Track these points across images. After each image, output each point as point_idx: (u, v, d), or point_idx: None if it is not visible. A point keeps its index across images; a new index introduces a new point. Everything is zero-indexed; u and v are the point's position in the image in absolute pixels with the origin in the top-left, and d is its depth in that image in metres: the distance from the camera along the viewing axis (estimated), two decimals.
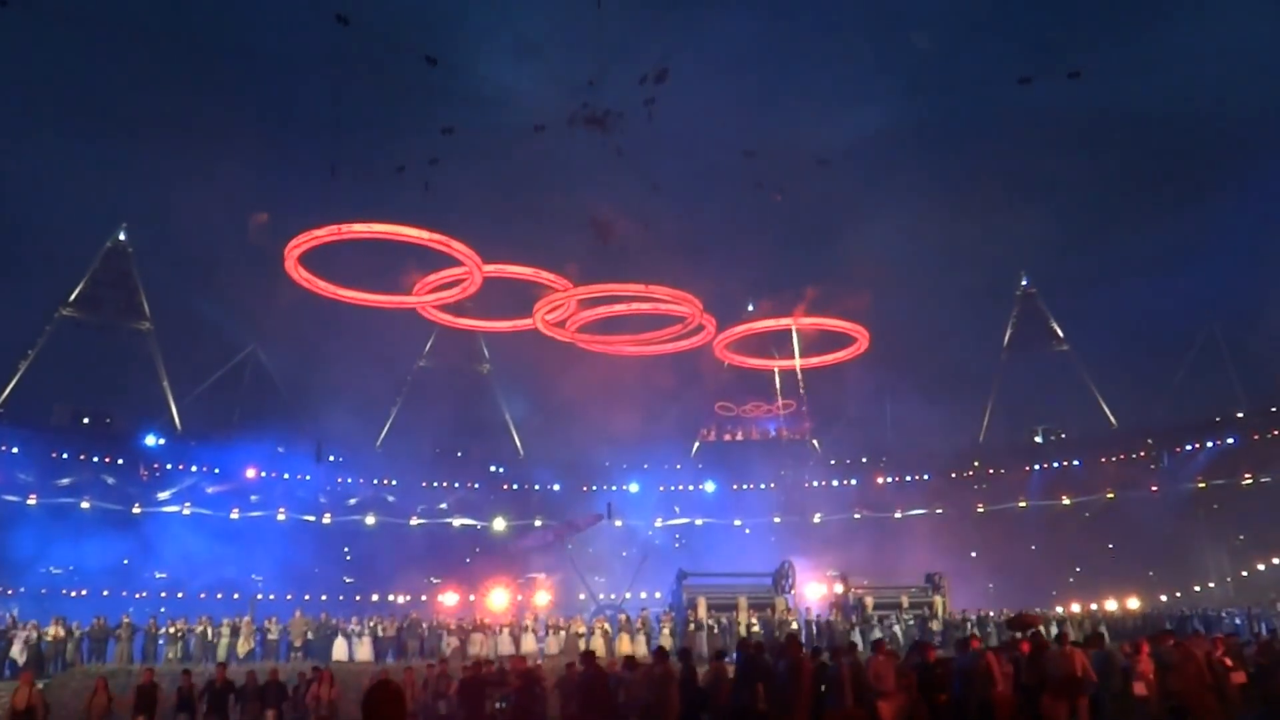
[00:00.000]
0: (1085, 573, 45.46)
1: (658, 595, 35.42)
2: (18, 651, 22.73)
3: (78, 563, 37.47)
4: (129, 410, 44.47)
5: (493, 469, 52.50)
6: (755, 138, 41.76)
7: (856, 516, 49.12)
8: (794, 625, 26.31)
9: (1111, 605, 37.59)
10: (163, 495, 40.96)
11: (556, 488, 50.89)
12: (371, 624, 26.87)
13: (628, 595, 34.58)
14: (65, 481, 38.98)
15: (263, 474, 43.22)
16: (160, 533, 38.71)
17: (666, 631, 26.73)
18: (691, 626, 26.37)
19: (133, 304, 46.64)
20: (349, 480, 47.78)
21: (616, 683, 13.34)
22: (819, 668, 12.85)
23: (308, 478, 45.27)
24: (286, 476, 44.42)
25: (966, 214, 49.57)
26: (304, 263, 34.70)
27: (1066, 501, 48.50)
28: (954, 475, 51.02)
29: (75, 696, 16.41)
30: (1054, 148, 50.70)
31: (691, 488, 52.01)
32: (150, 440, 42.33)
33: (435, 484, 49.55)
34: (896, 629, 27.41)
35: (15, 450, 38.12)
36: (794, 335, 46.19)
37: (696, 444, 55.88)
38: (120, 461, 41.14)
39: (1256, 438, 45.45)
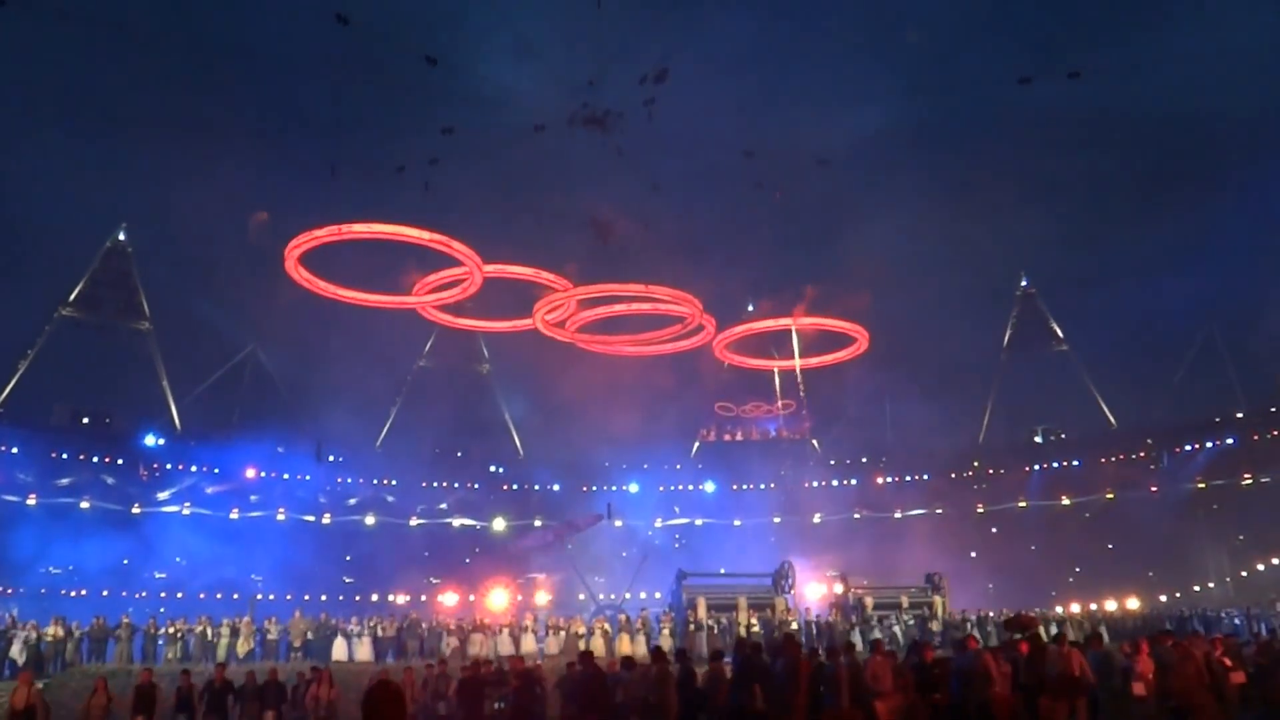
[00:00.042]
0: (1085, 573, 45.47)
1: (657, 595, 35.39)
2: (17, 651, 22.71)
3: (77, 563, 37.49)
4: (129, 410, 44.58)
5: (493, 469, 52.54)
6: (755, 138, 41.79)
7: (856, 516, 49.13)
8: (794, 625, 26.29)
9: (1111, 605, 37.62)
10: (162, 495, 40.97)
11: (556, 488, 50.92)
12: (371, 624, 26.85)
13: (627, 595, 34.56)
14: (65, 481, 38.99)
15: (262, 474, 43.23)
16: (160, 533, 38.75)
17: (666, 632, 26.69)
18: (691, 627, 26.34)
19: (133, 304, 46.68)
20: (349, 480, 47.80)
21: (614, 682, 13.34)
22: (816, 668, 12.86)
23: (307, 478, 45.29)
24: (286, 476, 44.43)
25: (966, 214, 49.69)
26: (304, 263, 34.73)
27: (1066, 502, 48.50)
28: (954, 475, 51.06)
29: (74, 697, 16.36)
30: (1054, 148, 50.79)
31: (691, 488, 52.04)
32: (150, 440, 42.37)
33: (435, 484, 49.58)
34: (896, 629, 27.39)
35: (15, 450, 38.16)
36: (794, 335, 46.20)
37: (696, 444, 55.89)
38: (120, 461, 41.18)
39: (1256, 438, 45.50)
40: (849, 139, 47.44)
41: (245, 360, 50.99)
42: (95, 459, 40.44)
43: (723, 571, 32.30)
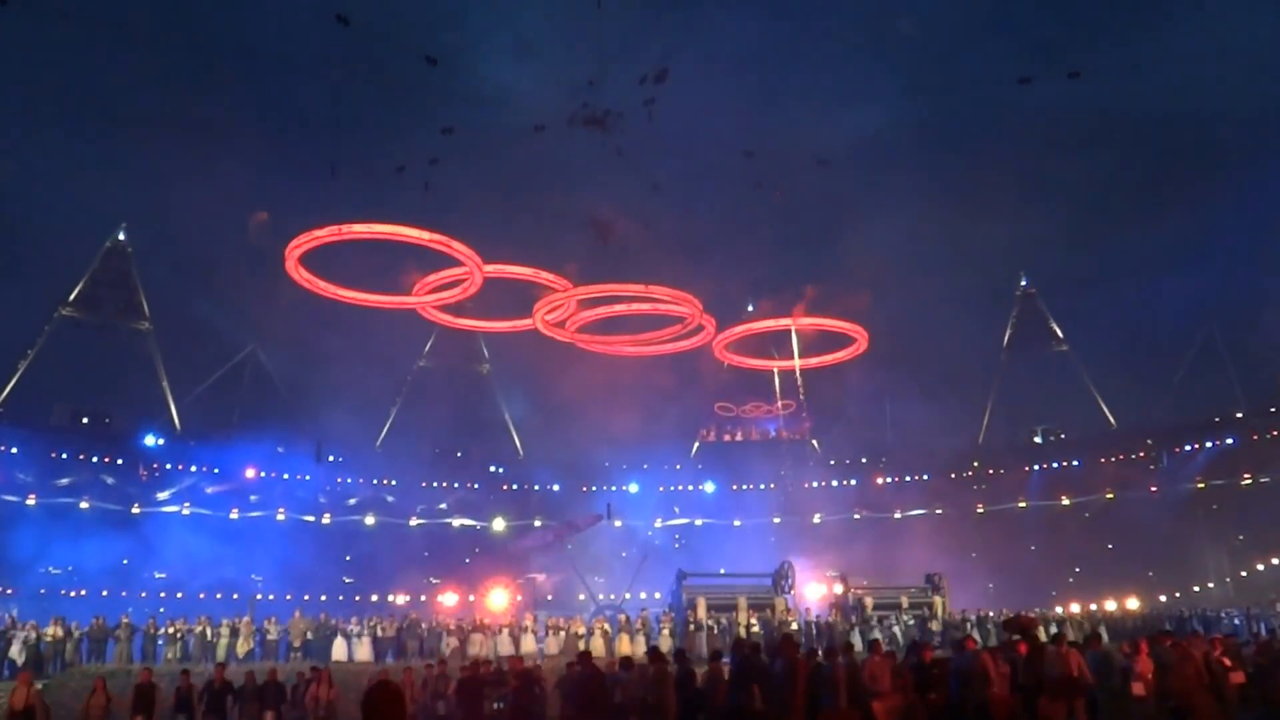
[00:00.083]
0: (1085, 573, 45.48)
1: (657, 596, 35.39)
2: (16, 652, 22.70)
3: (77, 563, 37.50)
4: (128, 410, 44.60)
5: (492, 469, 52.55)
6: (755, 138, 41.86)
7: (856, 517, 49.14)
8: (794, 626, 26.28)
9: (1111, 605, 37.62)
10: (162, 495, 40.98)
11: (556, 488, 50.94)
12: (371, 624, 26.85)
13: (627, 595, 34.57)
14: (65, 481, 39.00)
15: (262, 474, 43.24)
16: (160, 533, 38.72)
17: (666, 632, 26.67)
18: (691, 627, 26.33)
19: (132, 304, 46.70)
20: (349, 480, 47.81)
21: (613, 682, 13.34)
22: (814, 668, 12.86)
23: (307, 478, 45.30)
24: (286, 476, 44.45)
25: (966, 214, 49.64)
26: (304, 263, 34.69)
27: (1066, 502, 48.52)
28: (954, 475, 51.07)
29: (74, 697, 16.36)
30: (1054, 148, 50.83)
31: (691, 488, 52.06)
32: (150, 440, 42.40)
33: (435, 484, 49.59)
34: (896, 629, 27.39)
35: (15, 450, 38.17)
36: (793, 335, 46.17)
37: (696, 444, 55.89)
38: (120, 461, 41.20)
39: (1256, 438, 45.52)
40: (849, 139, 47.55)
41: (245, 360, 51.00)
42: (95, 459, 40.46)
43: (722, 572, 32.31)
